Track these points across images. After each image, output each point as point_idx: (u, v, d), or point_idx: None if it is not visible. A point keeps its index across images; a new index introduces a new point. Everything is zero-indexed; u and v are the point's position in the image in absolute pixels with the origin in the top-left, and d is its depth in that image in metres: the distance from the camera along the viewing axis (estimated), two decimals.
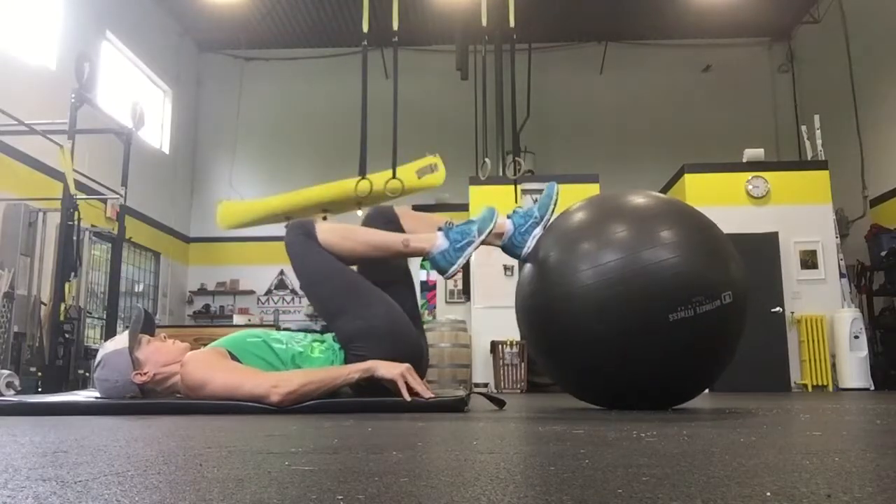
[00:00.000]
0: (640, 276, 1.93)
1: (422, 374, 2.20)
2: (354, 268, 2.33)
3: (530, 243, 2.21)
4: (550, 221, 2.26)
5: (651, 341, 1.94)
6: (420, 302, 9.53)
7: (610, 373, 2.04)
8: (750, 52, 11.54)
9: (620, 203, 2.19)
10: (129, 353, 2.13)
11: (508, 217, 2.29)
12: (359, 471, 0.74)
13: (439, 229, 2.22)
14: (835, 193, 7.99)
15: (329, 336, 2.27)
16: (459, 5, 9.50)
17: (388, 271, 2.34)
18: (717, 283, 1.97)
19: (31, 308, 5.86)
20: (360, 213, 6.43)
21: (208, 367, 2.02)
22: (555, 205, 2.27)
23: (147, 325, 2.24)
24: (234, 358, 2.07)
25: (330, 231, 2.23)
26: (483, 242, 2.18)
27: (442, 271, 2.17)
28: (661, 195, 2.31)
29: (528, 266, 2.25)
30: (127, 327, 2.25)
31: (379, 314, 2.17)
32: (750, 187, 7.93)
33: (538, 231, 2.22)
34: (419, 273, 9.73)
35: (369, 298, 2.19)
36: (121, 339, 2.19)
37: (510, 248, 2.25)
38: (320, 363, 2.13)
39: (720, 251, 2.08)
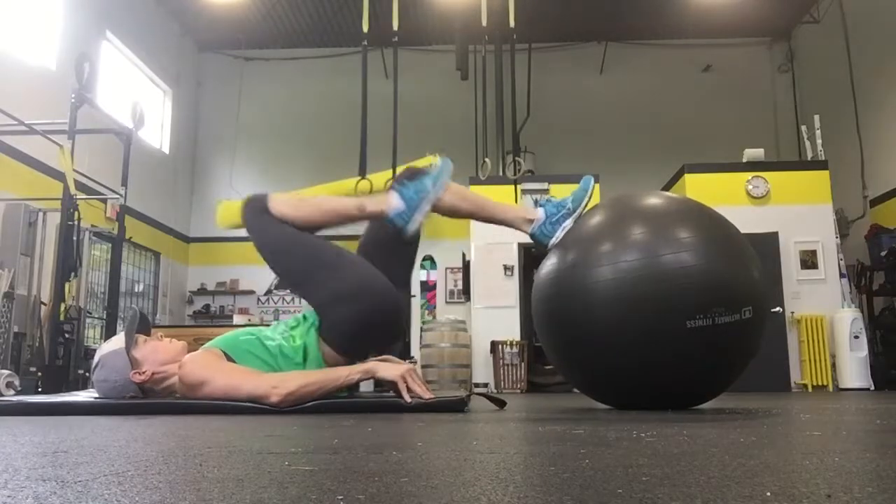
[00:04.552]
0: (659, 280, 1.92)
1: (399, 332, 2.19)
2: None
3: (559, 234, 2.18)
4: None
5: (665, 346, 1.92)
6: (420, 302, 9.61)
7: (620, 372, 2.03)
8: (750, 52, 11.55)
9: (641, 204, 2.18)
10: (126, 353, 2.13)
11: (541, 205, 2.27)
12: (359, 471, 0.74)
13: (391, 188, 2.18)
14: (835, 193, 7.99)
15: (302, 314, 2.24)
16: (459, 5, 9.50)
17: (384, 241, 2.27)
18: (739, 296, 1.95)
19: (31, 308, 5.86)
20: None
21: (207, 367, 2.01)
22: (589, 198, 2.24)
23: (142, 326, 2.24)
24: (228, 358, 2.06)
25: (283, 203, 2.17)
26: (436, 198, 2.13)
27: (401, 232, 2.14)
28: (682, 196, 2.29)
29: (546, 261, 2.24)
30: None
31: (344, 277, 2.11)
32: (750, 187, 7.92)
33: (569, 223, 2.19)
34: (419, 273, 9.73)
35: (335, 262, 2.14)
36: (117, 340, 2.19)
37: (539, 237, 2.22)
38: (301, 349, 2.11)
39: (745, 262, 2.04)
